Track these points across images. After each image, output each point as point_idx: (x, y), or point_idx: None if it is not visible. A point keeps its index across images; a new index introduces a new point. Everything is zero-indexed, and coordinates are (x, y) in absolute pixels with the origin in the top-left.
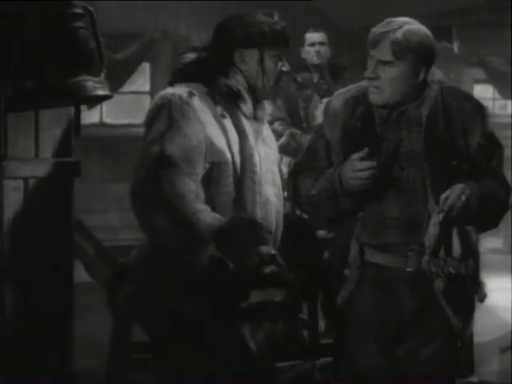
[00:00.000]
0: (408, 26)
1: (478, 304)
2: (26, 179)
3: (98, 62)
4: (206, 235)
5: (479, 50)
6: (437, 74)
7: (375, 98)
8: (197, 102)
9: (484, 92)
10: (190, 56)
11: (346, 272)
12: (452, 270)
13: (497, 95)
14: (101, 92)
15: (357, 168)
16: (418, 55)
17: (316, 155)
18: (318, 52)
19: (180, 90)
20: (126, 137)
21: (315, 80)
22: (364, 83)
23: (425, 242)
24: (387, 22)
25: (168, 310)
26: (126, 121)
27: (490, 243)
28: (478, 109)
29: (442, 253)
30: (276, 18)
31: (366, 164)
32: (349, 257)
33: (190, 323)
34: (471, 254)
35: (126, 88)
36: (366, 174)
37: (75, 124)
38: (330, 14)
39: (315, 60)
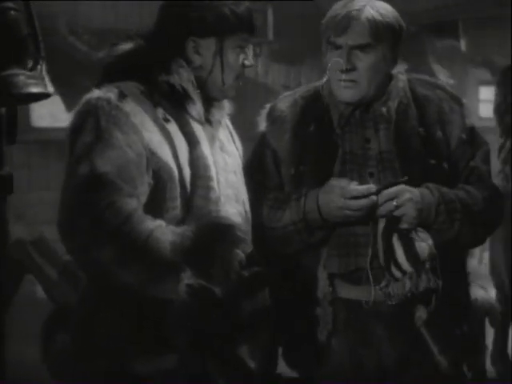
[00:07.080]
0: (374, 1)
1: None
2: None
3: (33, 52)
4: (170, 256)
5: (486, 48)
6: (441, 74)
7: (350, 94)
8: (129, 105)
9: (490, 94)
10: (124, 47)
11: (318, 311)
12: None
13: None
14: (35, 89)
15: (351, 195)
16: (396, 34)
17: (263, 170)
18: None
19: (108, 93)
20: None
21: None
22: (317, 83)
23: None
24: (345, 2)
25: (119, 365)
26: None
27: None
28: (454, 98)
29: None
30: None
31: (364, 189)
32: (317, 291)
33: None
34: (422, 263)
35: None
36: (363, 203)
37: (7, 129)
38: (326, 6)
39: None
